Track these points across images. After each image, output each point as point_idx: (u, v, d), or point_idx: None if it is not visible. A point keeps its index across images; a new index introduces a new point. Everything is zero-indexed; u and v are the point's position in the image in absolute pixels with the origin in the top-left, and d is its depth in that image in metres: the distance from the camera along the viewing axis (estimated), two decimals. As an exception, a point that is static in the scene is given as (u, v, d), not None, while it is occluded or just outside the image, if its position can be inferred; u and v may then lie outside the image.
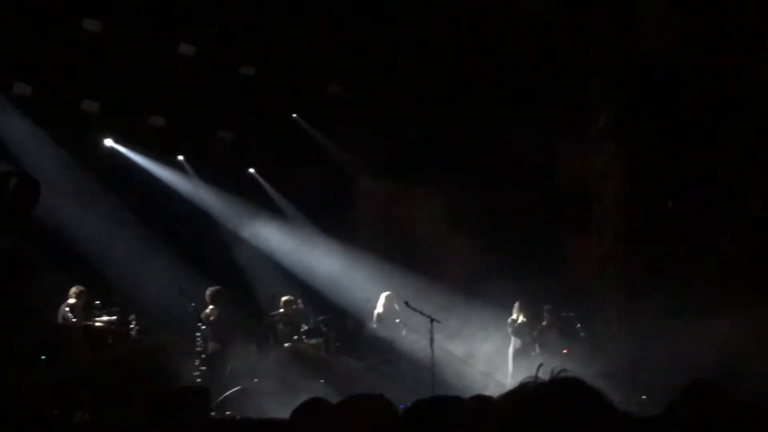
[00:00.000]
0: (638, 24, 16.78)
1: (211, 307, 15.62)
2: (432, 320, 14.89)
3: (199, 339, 14.99)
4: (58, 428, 9.85)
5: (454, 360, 16.29)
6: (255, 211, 19.07)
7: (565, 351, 16.44)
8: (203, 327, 15.13)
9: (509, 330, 16.32)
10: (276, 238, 18.96)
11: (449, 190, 18.92)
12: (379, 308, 16.74)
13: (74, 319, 14.32)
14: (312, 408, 4.80)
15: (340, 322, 17.30)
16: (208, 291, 15.74)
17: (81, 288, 14.77)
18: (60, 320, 14.38)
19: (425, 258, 18.19)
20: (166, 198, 17.95)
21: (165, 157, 18.32)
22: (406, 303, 15.36)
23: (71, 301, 14.59)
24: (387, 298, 16.69)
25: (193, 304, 15.14)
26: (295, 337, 16.11)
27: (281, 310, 16.43)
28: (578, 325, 17.12)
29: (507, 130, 18.05)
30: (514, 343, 16.31)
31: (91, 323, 14.38)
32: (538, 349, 16.41)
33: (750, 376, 13.56)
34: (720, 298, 15.48)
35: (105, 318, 14.58)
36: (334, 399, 4.87)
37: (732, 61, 15.94)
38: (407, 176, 19.03)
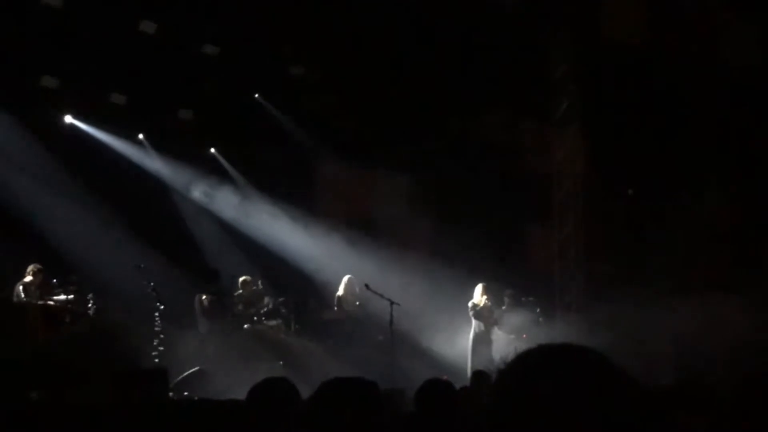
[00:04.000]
0: (603, 7, 16.84)
1: None
2: (392, 303, 14.90)
3: (157, 318, 14.88)
4: (14, 406, 9.74)
5: (413, 343, 16.31)
6: (215, 190, 19.00)
7: (524, 336, 16.52)
8: (161, 306, 15.01)
9: (471, 313, 16.35)
10: (237, 218, 18.89)
11: (411, 171, 18.91)
12: (340, 291, 16.75)
13: (28, 298, 14.15)
14: (268, 387, 4.76)
15: (300, 304, 17.25)
16: None
17: (38, 266, 14.59)
18: (15, 298, 14.21)
19: (386, 239, 18.16)
20: (125, 176, 17.79)
21: (125, 135, 18.18)
22: (367, 286, 15.38)
23: (27, 279, 14.42)
24: (347, 281, 16.72)
25: (152, 284, 15.03)
26: (255, 318, 16.07)
27: (240, 291, 16.39)
28: (538, 310, 17.22)
29: (470, 112, 18.04)
30: (474, 327, 16.34)
31: (47, 301, 14.22)
32: (498, 333, 16.48)
33: (708, 363, 13.67)
34: (679, 284, 15.59)
35: (62, 296, 14.41)
36: (293, 381, 4.84)
37: (695, 46, 16.03)
38: (368, 157, 18.98)
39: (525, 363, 2.02)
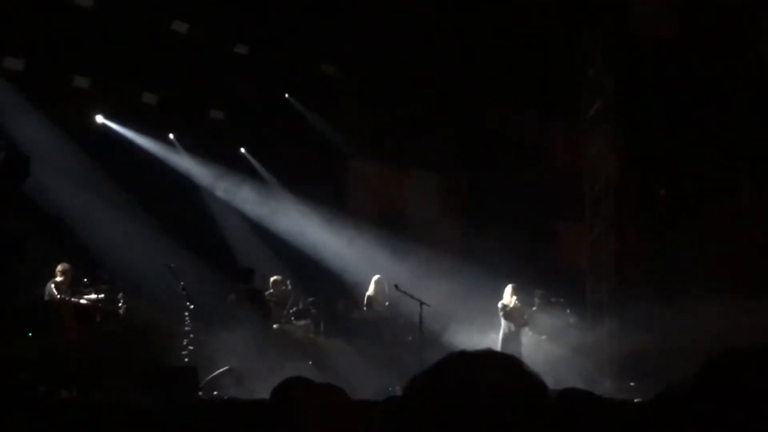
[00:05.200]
0: (636, 5, 16.73)
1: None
2: (421, 303, 14.86)
3: (187, 318, 14.91)
4: (45, 405, 9.79)
5: (442, 343, 16.25)
6: (245, 190, 19.04)
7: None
8: (191, 306, 15.06)
9: (500, 314, 16.25)
10: (267, 218, 18.90)
11: (441, 170, 18.87)
12: (370, 291, 16.72)
13: (60, 296, 14.23)
14: (291, 386, 4.72)
15: (329, 304, 17.25)
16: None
17: (67, 265, 14.68)
18: (47, 297, 14.30)
19: (416, 239, 18.13)
20: (156, 175, 17.85)
21: (156, 135, 18.25)
22: (396, 286, 15.35)
23: (58, 278, 14.51)
24: (377, 281, 16.68)
25: (182, 283, 15.06)
26: (284, 318, 16.08)
27: (270, 290, 16.41)
28: (568, 311, 17.11)
29: (501, 111, 17.99)
30: (504, 327, 16.24)
31: (78, 300, 14.30)
32: (528, 334, 16.38)
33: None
34: (710, 284, 15.46)
35: (93, 296, 14.50)
36: (320, 380, 4.81)
37: (729, 42, 15.89)
38: (399, 156, 18.96)
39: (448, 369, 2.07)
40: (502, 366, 2.03)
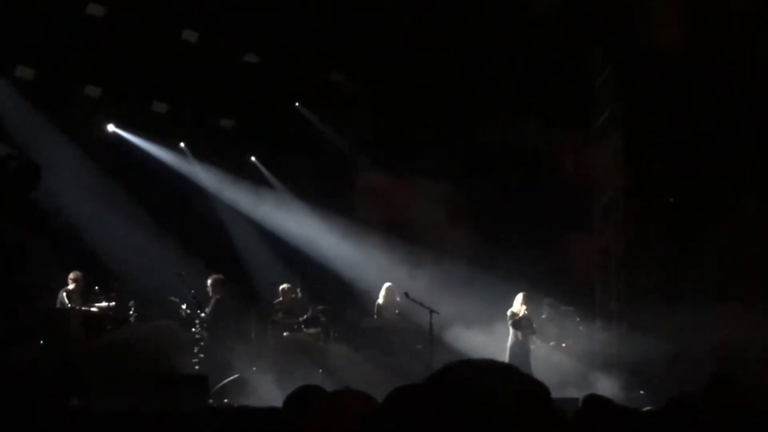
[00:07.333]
0: (643, 15, 16.73)
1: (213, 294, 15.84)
2: (431, 312, 14.87)
3: (197, 326, 14.96)
4: (55, 413, 9.82)
5: (452, 351, 16.25)
6: (256, 199, 19.07)
7: (564, 345, 16.44)
8: (201, 314, 15.10)
9: (509, 322, 16.23)
10: (277, 226, 18.94)
11: (450, 179, 18.87)
12: (380, 299, 16.73)
13: (72, 305, 14.30)
14: (304, 395, 4.75)
15: (339, 312, 17.26)
16: (210, 279, 15.83)
17: (79, 273, 14.76)
18: (58, 305, 14.37)
19: (425, 248, 18.14)
20: (166, 183, 17.91)
21: (166, 144, 18.31)
22: (406, 294, 15.38)
23: (70, 286, 14.59)
24: (387, 289, 16.69)
25: (192, 291, 15.11)
26: (294, 326, 16.09)
27: (280, 298, 16.42)
28: (577, 319, 17.11)
29: (510, 121, 17.99)
30: (512, 336, 16.22)
31: (89, 308, 14.35)
32: (536, 342, 16.37)
33: (747, 371, 13.54)
34: (719, 293, 15.46)
35: (104, 304, 14.55)
36: (330, 389, 4.84)
37: (737, 52, 15.89)
38: (408, 164, 18.97)
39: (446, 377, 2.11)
40: (500, 373, 2.05)
